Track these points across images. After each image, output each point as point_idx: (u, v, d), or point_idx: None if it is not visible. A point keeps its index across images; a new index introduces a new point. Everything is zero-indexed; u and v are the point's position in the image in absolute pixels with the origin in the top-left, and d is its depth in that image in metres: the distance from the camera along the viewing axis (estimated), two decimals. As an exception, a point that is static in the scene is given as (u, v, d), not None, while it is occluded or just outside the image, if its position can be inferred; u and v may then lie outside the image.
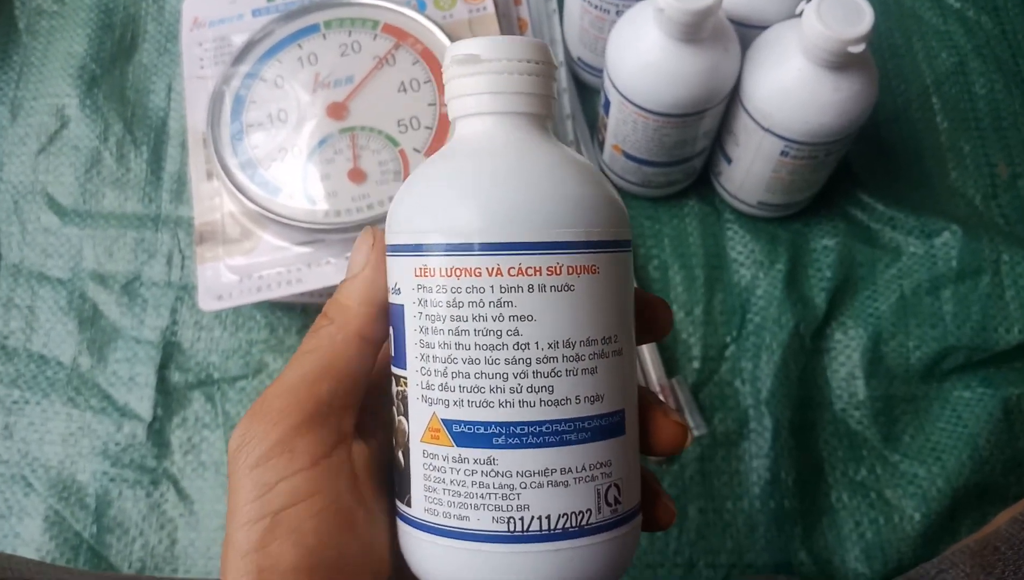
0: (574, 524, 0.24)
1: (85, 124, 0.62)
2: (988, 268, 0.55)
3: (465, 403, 0.24)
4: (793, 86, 0.47)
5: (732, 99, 0.51)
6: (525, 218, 0.24)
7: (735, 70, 0.49)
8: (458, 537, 0.24)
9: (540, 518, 0.24)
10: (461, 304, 0.24)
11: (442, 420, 0.24)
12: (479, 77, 0.25)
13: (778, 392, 0.54)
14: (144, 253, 0.59)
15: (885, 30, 0.65)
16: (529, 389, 0.24)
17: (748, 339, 0.56)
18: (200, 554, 0.52)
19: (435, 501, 0.24)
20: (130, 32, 0.66)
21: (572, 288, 0.24)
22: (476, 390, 0.24)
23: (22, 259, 0.59)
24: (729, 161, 0.55)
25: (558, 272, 0.24)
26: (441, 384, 0.24)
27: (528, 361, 0.24)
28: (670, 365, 0.55)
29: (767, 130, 0.49)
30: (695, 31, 0.46)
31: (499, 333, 0.23)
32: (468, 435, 0.24)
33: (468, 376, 0.24)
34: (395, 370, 0.26)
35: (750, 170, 0.53)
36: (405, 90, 0.51)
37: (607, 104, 0.53)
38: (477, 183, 0.24)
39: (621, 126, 0.52)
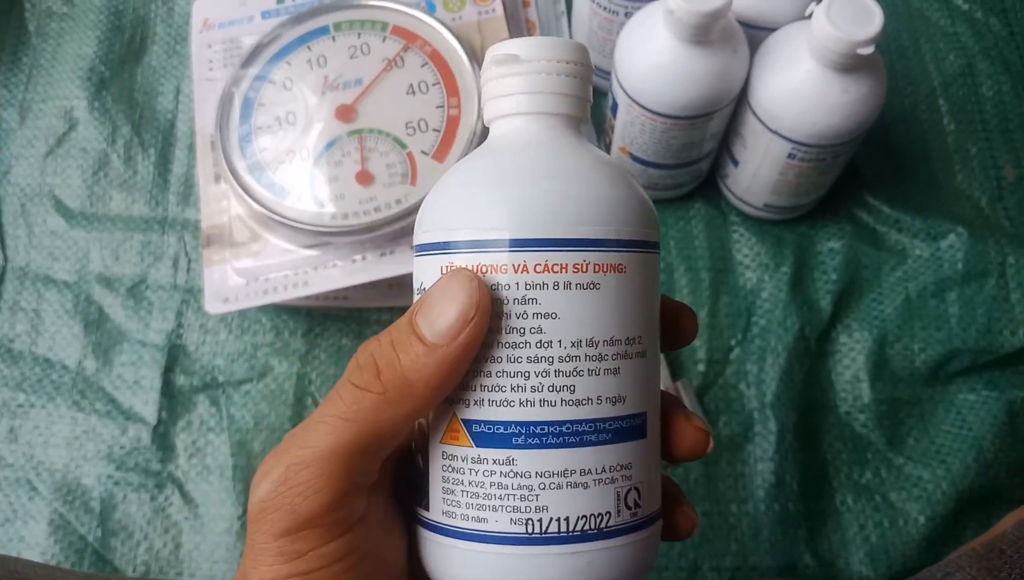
0: (593, 526, 0.24)
1: (93, 126, 0.62)
2: (994, 270, 0.55)
3: (485, 402, 0.24)
4: (802, 88, 0.47)
5: (740, 101, 0.51)
6: (553, 215, 0.23)
7: (744, 72, 0.49)
8: (476, 539, 0.24)
9: (559, 519, 0.23)
10: None
11: (462, 420, 0.24)
12: (517, 78, 0.25)
13: (783, 395, 0.54)
14: (150, 256, 0.59)
15: (893, 32, 0.65)
16: (551, 388, 0.23)
17: (753, 342, 0.56)
18: (204, 557, 0.52)
19: (453, 503, 0.24)
20: (139, 34, 0.66)
21: (598, 286, 0.24)
22: (497, 389, 0.23)
23: (28, 262, 0.59)
24: (736, 163, 0.55)
25: (584, 270, 0.23)
26: (462, 383, 0.24)
27: (550, 359, 0.23)
28: (675, 368, 0.55)
29: (775, 132, 0.49)
30: (704, 33, 0.46)
31: (522, 330, 0.23)
32: (488, 435, 0.24)
33: (489, 374, 0.23)
34: None
35: (757, 172, 0.53)
36: (414, 92, 0.51)
37: (614, 106, 0.53)
38: (507, 180, 0.24)
39: (628, 128, 0.52)
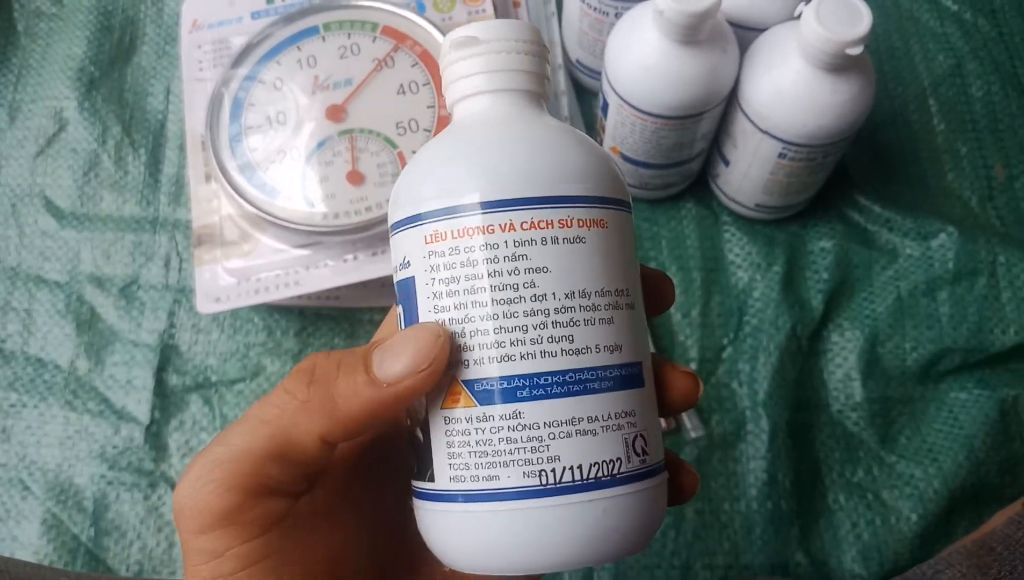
0: (606, 473, 0.24)
1: (83, 127, 0.62)
2: (984, 270, 0.56)
3: (486, 360, 0.24)
4: (791, 88, 0.47)
5: (730, 101, 0.51)
6: (535, 175, 0.24)
7: (733, 72, 0.49)
8: (489, 499, 0.24)
9: (572, 468, 0.24)
10: (475, 262, 0.24)
11: (463, 382, 0.24)
12: (478, 58, 0.26)
13: (775, 394, 0.54)
14: (142, 256, 0.59)
15: (882, 32, 0.65)
16: (550, 339, 0.24)
17: (745, 341, 0.56)
18: (198, 557, 0.52)
19: (461, 467, 0.24)
20: (129, 34, 0.66)
21: (583, 240, 0.24)
22: (497, 345, 0.24)
23: (19, 262, 0.59)
24: (727, 163, 0.55)
25: (569, 225, 0.24)
26: (460, 346, 0.24)
27: (547, 312, 0.24)
28: (668, 367, 0.55)
29: (765, 132, 0.49)
30: (694, 33, 0.46)
31: (516, 286, 0.24)
32: (491, 392, 0.24)
33: (487, 333, 0.24)
34: None
35: (748, 172, 0.53)
36: (404, 92, 0.51)
37: (605, 106, 0.53)
38: (484, 147, 0.25)
39: (619, 128, 0.53)
